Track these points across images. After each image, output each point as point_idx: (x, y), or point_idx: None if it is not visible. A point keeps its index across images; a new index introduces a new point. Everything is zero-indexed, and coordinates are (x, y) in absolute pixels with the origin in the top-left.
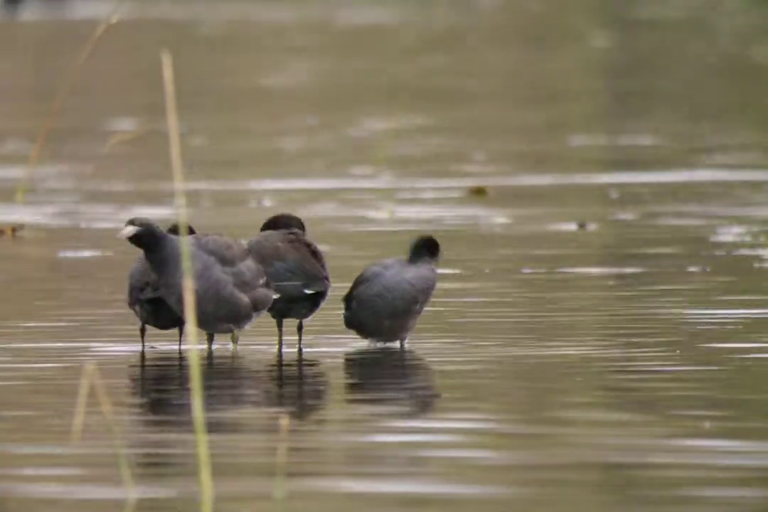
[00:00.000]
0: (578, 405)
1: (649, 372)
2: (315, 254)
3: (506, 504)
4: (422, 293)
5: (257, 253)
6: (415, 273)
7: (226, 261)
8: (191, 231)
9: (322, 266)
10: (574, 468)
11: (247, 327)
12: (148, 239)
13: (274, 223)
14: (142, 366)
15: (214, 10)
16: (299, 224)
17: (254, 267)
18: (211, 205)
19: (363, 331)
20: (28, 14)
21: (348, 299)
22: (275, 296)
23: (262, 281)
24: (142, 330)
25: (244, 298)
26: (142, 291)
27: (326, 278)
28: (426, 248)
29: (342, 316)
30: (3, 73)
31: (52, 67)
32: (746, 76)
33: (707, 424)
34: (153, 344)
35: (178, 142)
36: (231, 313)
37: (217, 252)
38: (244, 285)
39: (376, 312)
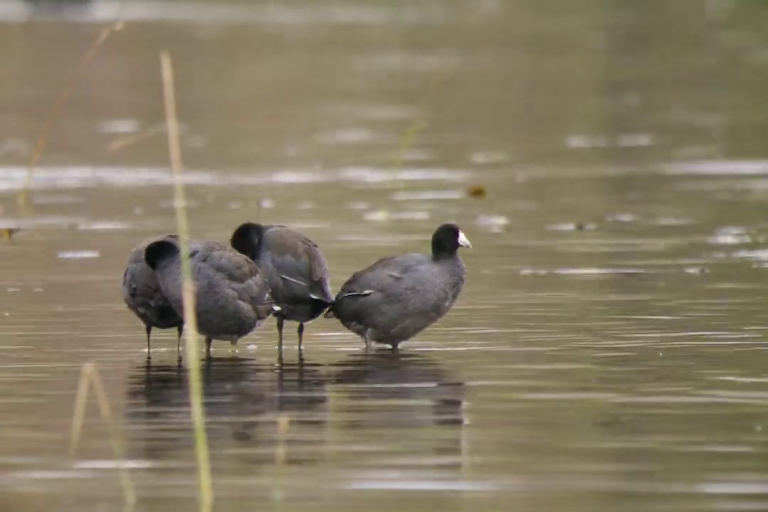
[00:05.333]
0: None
1: (644, 371)
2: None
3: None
4: (452, 287)
5: (273, 241)
6: (441, 269)
7: (234, 278)
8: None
9: (324, 281)
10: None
11: (251, 334)
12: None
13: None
14: (144, 367)
15: (214, 11)
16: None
17: (261, 282)
18: (210, 205)
19: (363, 321)
20: (46, 14)
21: (354, 283)
22: (277, 308)
23: (267, 295)
24: (148, 330)
25: (250, 312)
26: (151, 297)
27: (326, 292)
28: (441, 243)
29: (342, 301)
30: (7, 74)
31: (56, 69)
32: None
33: (758, 428)
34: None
35: (177, 144)
36: (235, 326)
37: (226, 268)
38: (251, 300)
39: (405, 307)
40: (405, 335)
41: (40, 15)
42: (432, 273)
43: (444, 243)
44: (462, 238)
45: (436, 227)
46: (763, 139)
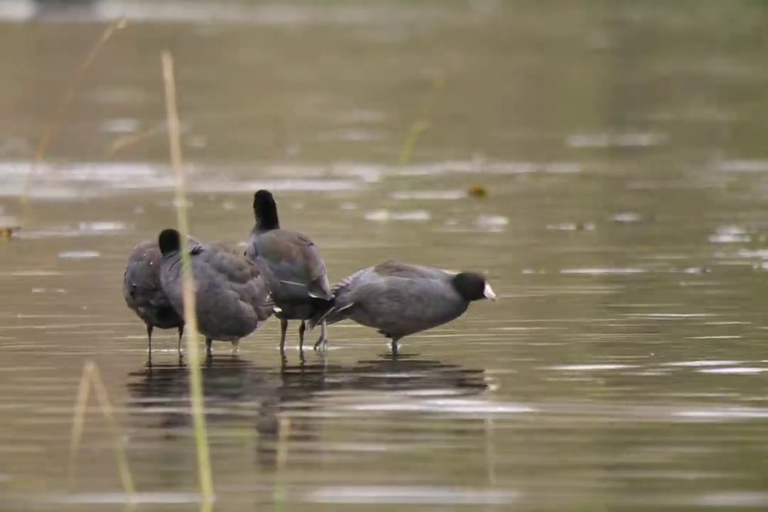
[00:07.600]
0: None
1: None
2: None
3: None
4: (450, 316)
5: (267, 247)
6: (453, 295)
7: (235, 278)
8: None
9: (321, 277)
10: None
11: (252, 335)
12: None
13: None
14: (146, 367)
15: (214, 11)
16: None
17: (263, 283)
18: (211, 205)
19: (354, 314)
20: (53, 15)
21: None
22: (277, 310)
23: (268, 297)
24: (149, 330)
25: (251, 313)
26: (151, 296)
27: (325, 290)
28: (465, 292)
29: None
30: (11, 73)
31: (59, 69)
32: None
33: None
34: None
35: (178, 143)
36: (236, 327)
37: (227, 269)
38: (252, 300)
39: (403, 310)
40: (394, 329)
41: (44, 15)
42: (442, 295)
43: (468, 293)
44: (488, 290)
45: (468, 273)
46: (765, 139)
